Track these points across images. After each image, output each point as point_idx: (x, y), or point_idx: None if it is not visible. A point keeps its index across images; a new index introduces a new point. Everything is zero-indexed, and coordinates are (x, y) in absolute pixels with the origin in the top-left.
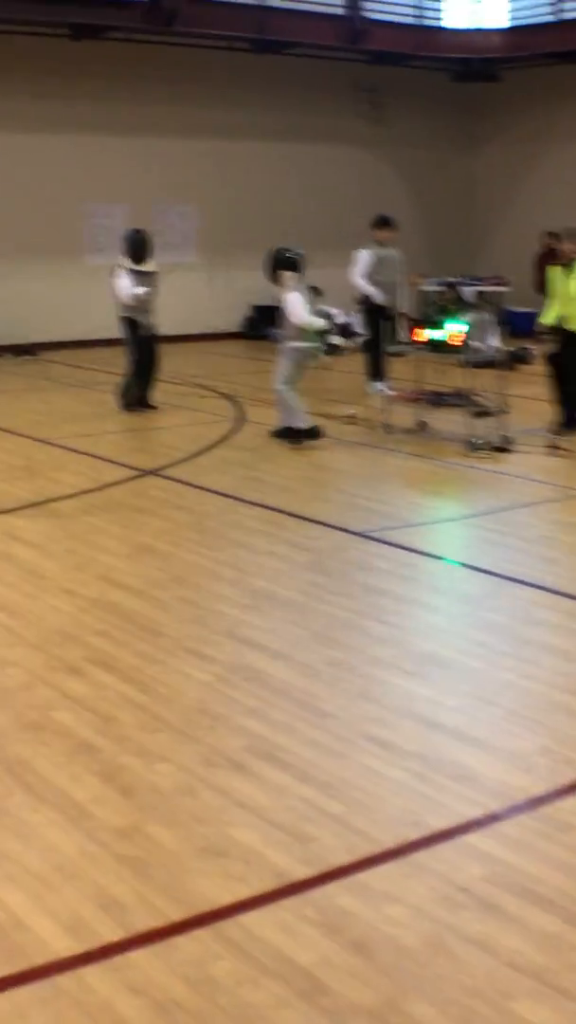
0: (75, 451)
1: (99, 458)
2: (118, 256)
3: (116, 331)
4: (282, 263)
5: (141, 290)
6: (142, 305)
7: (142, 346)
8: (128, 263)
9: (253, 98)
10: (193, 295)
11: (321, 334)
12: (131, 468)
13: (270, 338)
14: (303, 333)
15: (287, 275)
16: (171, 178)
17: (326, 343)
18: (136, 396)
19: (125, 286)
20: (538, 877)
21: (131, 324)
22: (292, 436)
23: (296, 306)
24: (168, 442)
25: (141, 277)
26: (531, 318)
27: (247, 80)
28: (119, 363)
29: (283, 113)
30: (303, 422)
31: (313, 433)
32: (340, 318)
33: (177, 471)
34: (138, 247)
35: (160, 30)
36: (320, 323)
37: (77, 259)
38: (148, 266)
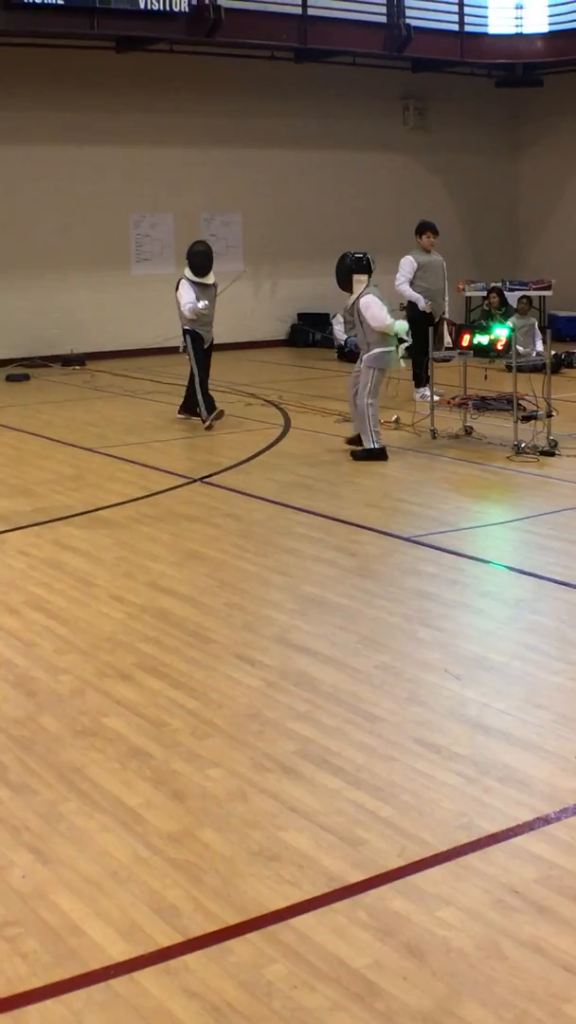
0: (124, 460)
1: (148, 467)
2: (179, 268)
3: (162, 341)
4: (353, 267)
5: (202, 304)
6: (203, 318)
7: (203, 358)
8: (191, 275)
9: (296, 107)
10: (239, 304)
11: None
12: (179, 476)
13: (347, 347)
14: (386, 338)
15: (360, 279)
16: (216, 188)
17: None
18: (192, 405)
19: (188, 299)
20: None
21: (193, 336)
22: (364, 454)
23: (376, 309)
24: (216, 450)
25: (203, 289)
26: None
27: (290, 89)
28: (166, 373)
29: (326, 121)
30: (375, 442)
31: (382, 455)
32: None
33: (225, 478)
34: (202, 259)
35: (202, 40)
36: (404, 325)
37: (123, 269)
38: (209, 279)
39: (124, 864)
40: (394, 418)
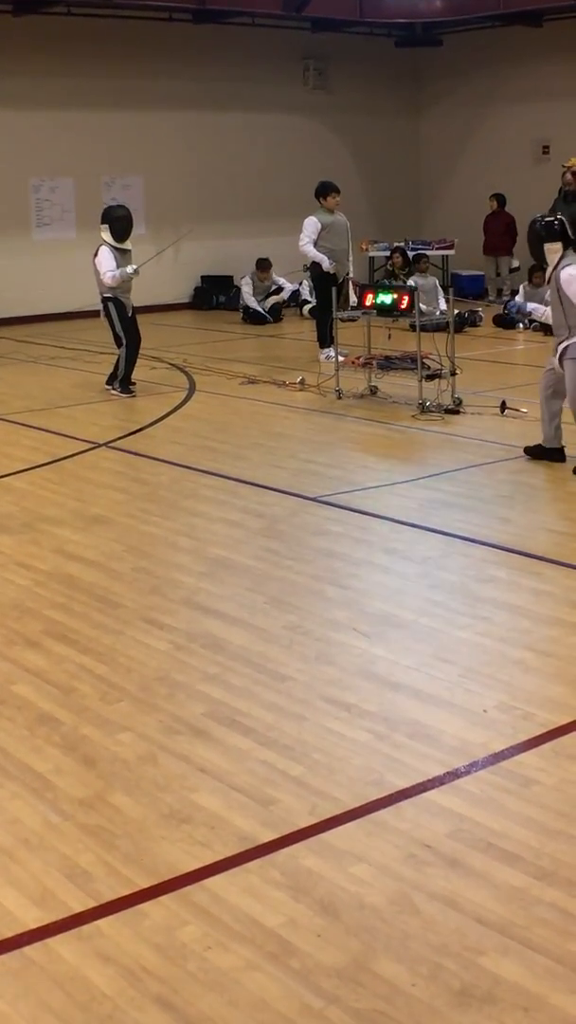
0: (27, 426)
1: (52, 432)
2: (80, 233)
3: (63, 305)
4: (547, 232)
5: (131, 269)
6: (125, 284)
7: (129, 325)
8: (112, 240)
9: (195, 69)
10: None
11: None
12: (84, 441)
13: (510, 315)
14: None
15: (555, 247)
16: (116, 151)
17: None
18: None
19: (109, 266)
20: (501, 832)
21: (116, 304)
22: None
23: None
24: (120, 414)
25: (123, 255)
26: (479, 281)
27: (189, 51)
28: (69, 338)
29: (226, 83)
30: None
31: (557, 454)
32: (289, 288)
33: (130, 443)
34: (124, 224)
35: (100, 3)
36: None
37: (24, 235)
38: (128, 243)
39: (35, 831)
40: (299, 379)
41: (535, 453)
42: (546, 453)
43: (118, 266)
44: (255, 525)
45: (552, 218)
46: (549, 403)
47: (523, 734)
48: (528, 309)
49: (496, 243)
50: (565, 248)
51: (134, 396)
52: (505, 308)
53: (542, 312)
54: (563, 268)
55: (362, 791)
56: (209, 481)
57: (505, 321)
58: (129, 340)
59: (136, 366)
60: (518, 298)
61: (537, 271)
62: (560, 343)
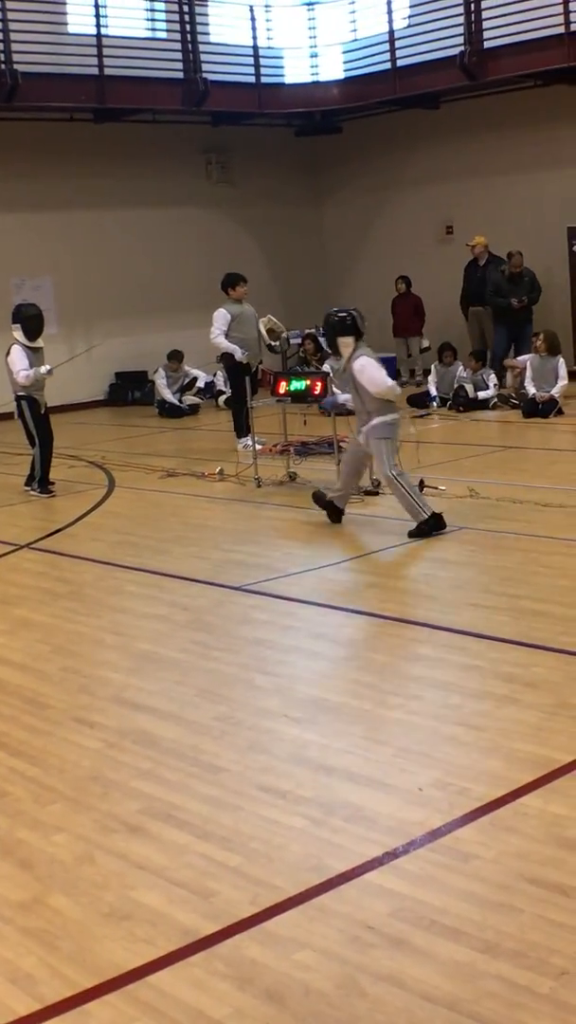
0: None
1: None
2: (11, 332)
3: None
4: (339, 327)
5: (45, 369)
6: (37, 383)
7: (41, 424)
8: (23, 339)
9: (99, 167)
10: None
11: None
12: (5, 543)
13: (326, 411)
14: (386, 404)
15: (347, 341)
16: (25, 252)
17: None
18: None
19: (22, 366)
20: (443, 908)
21: (30, 402)
22: (420, 530)
23: (372, 371)
24: (41, 515)
25: (35, 353)
26: (391, 363)
27: (92, 150)
28: None
29: (131, 180)
30: (425, 511)
31: (437, 523)
32: (204, 379)
33: (51, 543)
34: (35, 323)
35: (2, 106)
36: (398, 388)
37: None
38: (39, 342)
39: None
40: (218, 470)
41: (322, 503)
42: (333, 511)
43: (31, 365)
44: (181, 618)
45: (345, 313)
46: (351, 476)
47: (459, 809)
48: (340, 400)
49: (405, 324)
50: (356, 341)
51: (53, 496)
52: (320, 407)
53: (349, 399)
54: (355, 360)
55: (302, 877)
56: (133, 576)
57: (419, 401)
58: (42, 439)
59: (54, 465)
60: (340, 397)
61: (447, 350)
62: (362, 425)
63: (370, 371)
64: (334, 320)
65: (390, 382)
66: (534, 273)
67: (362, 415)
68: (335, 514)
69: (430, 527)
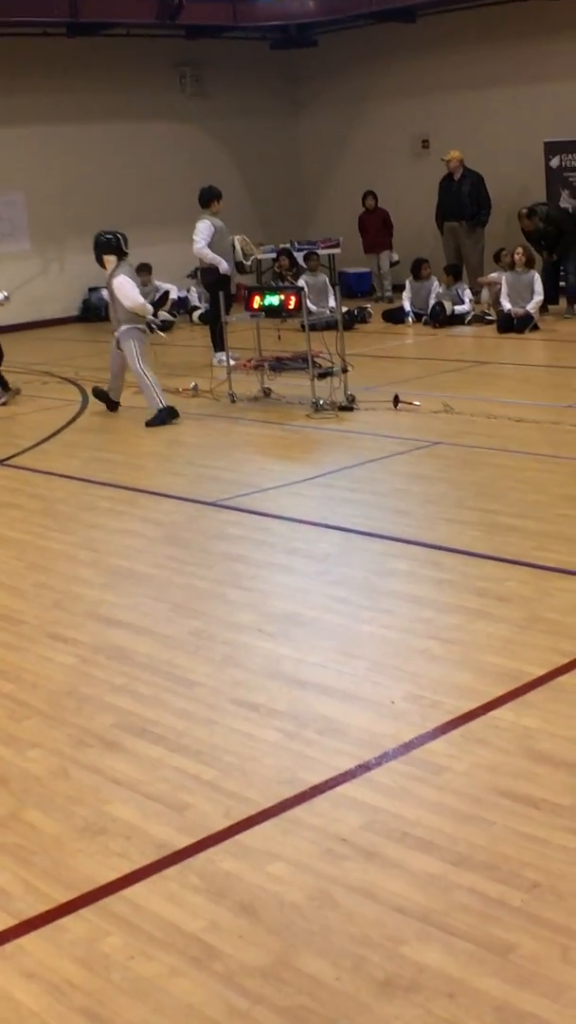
0: None
1: None
2: None
3: None
4: (104, 247)
5: (2, 296)
6: None
7: None
8: None
9: (74, 82)
10: (28, 284)
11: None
12: None
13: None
14: (135, 316)
15: (110, 259)
16: None
17: (159, 320)
18: None
19: None
20: (415, 821)
21: None
22: (157, 419)
23: (128, 289)
24: (14, 431)
25: None
26: (367, 278)
27: (66, 64)
28: None
29: (105, 94)
30: (161, 402)
31: (170, 413)
32: (175, 293)
33: (25, 459)
34: None
35: None
36: (150, 308)
37: None
38: None
39: None
40: (192, 385)
41: (100, 396)
42: (109, 402)
43: None
44: (155, 533)
45: (111, 235)
46: (118, 370)
47: (431, 722)
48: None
49: (374, 240)
50: (119, 259)
51: (5, 404)
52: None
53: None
54: (115, 276)
55: (275, 790)
56: (107, 493)
57: (394, 316)
58: None
59: (26, 381)
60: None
61: (424, 263)
62: (115, 331)
63: (125, 288)
64: (101, 240)
65: (140, 300)
66: None
67: (116, 323)
68: (111, 405)
69: (166, 415)
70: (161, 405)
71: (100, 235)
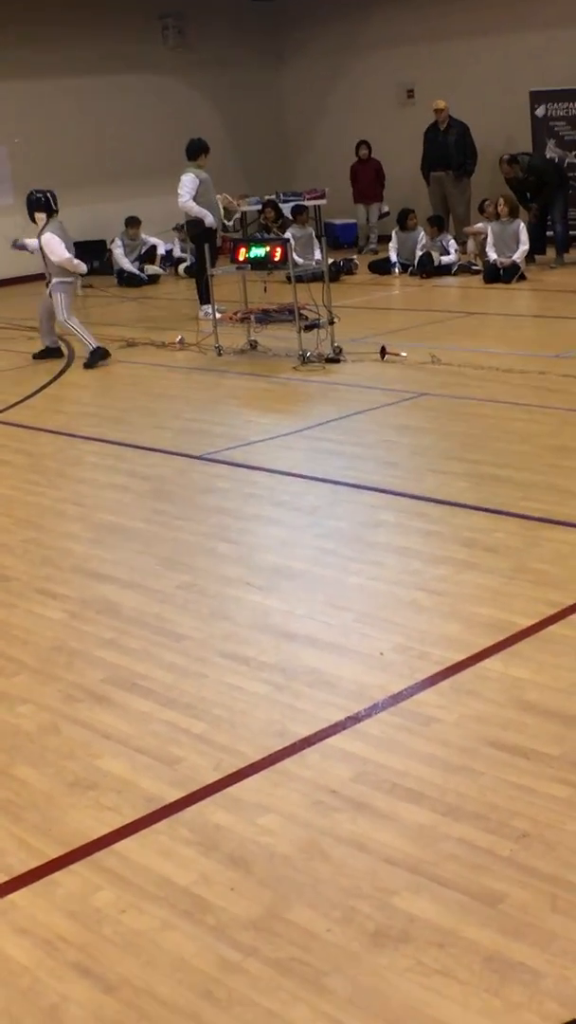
0: None
1: None
2: None
3: None
4: (35, 205)
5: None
6: None
7: None
8: None
9: (53, 34)
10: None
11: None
12: None
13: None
14: (64, 270)
15: (41, 216)
16: None
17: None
18: None
19: None
20: (404, 772)
21: None
22: (91, 360)
23: (55, 246)
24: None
25: None
26: (352, 229)
27: (46, 16)
28: None
29: (87, 47)
30: (92, 343)
31: (102, 353)
32: (162, 248)
33: (10, 415)
34: None
35: None
36: (83, 267)
37: None
38: None
39: None
40: (178, 338)
41: (40, 356)
42: (48, 353)
43: None
44: (143, 488)
45: (41, 194)
46: (48, 325)
47: (420, 673)
48: (24, 243)
49: (366, 190)
50: (48, 217)
51: None
52: (13, 244)
53: (33, 247)
54: (45, 233)
55: (265, 742)
56: (94, 447)
57: (380, 267)
58: None
59: (11, 336)
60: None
61: (410, 214)
62: (47, 284)
63: (53, 245)
64: (32, 199)
65: (67, 255)
66: None
67: (47, 276)
68: (53, 353)
69: (98, 356)
70: (93, 346)
71: (31, 193)
